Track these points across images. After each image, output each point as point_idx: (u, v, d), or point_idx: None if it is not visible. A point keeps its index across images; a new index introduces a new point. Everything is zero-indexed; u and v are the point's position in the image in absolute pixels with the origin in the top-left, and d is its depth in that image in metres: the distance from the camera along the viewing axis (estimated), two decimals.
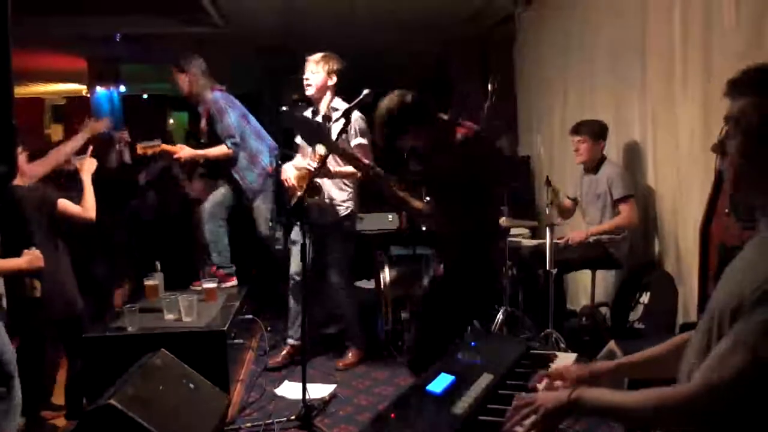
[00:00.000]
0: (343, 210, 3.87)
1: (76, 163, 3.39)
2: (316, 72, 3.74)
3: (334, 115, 3.69)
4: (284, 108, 4.24)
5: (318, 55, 3.77)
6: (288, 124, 3.81)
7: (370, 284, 5.38)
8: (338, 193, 3.86)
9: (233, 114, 4.18)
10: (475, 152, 2.63)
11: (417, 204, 2.79)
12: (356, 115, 3.62)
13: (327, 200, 3.84)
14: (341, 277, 3.98)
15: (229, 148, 4.14)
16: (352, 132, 3.68)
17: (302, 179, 3.70)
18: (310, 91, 3.77)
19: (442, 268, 2.87)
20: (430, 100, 2.71)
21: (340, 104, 3.74)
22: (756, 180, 1.24)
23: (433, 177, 2.78)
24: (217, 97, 4.16)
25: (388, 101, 2.63)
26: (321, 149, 3.55)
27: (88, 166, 3.34)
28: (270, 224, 4.44)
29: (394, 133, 2.64)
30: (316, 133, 3.41)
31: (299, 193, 3.58)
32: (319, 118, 3.79)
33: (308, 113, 3.92)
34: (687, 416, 1.17)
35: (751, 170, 1.24)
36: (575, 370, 1.59)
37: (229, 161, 4.23)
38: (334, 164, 3.67)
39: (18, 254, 2.77)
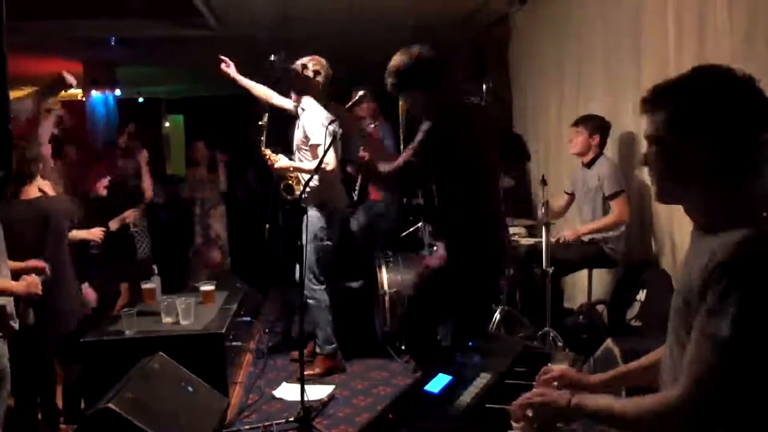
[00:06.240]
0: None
1: None
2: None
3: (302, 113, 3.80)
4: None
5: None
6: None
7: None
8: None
9: None
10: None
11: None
12: (313, 116, 3.71)
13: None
14: (309, 278, 3.79)
15: None
16: (309, 132, 3.71)
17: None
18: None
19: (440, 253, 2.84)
20: (441, 67, 2.65)
21: (307, 103, 3.81)
22: (677, 185, 1.30)
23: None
24: None
25: (398, 55, 2.63)
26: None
27: None
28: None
29: (398, 86, 2.64)
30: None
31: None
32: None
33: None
34: (682, 418, 1.20)
35: (670, 177, 1.30)
36: (574, 378, 1.57)
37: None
38: (286, 161, 3.76)
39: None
